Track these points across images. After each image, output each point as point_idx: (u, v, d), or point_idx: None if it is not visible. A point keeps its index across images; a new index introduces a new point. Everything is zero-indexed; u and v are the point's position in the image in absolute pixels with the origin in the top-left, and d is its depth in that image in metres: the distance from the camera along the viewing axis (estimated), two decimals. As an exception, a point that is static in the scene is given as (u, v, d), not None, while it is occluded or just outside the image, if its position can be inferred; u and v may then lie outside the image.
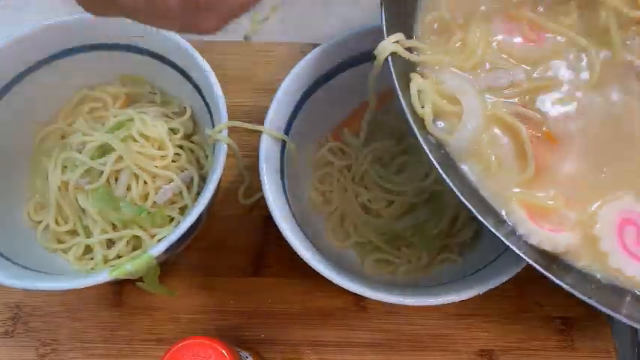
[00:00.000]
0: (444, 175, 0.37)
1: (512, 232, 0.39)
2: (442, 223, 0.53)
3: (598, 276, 0.40)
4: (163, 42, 0.51)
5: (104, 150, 0.51)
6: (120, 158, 0.51)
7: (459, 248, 0.54)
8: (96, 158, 0.51)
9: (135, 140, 0.51)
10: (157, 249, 0.44)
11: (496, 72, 0.42)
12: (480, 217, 0.37)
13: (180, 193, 0.52)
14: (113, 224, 0.51)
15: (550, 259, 0.39)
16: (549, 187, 0.41)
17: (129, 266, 0.44)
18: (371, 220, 0.53)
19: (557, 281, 0.37)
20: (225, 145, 0.47)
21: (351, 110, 0.58)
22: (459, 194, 0.37)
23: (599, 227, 0.39)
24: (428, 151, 0.38)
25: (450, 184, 0.37)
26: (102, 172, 0.50)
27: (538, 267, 0.37)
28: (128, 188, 0.51)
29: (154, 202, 0.51)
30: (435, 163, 0.38)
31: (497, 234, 0.37)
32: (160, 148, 0.53)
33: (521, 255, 0.37)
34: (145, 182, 0.51)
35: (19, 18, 0.69)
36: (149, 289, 0.48)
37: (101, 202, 0.50)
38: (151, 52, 0.53)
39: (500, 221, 0.39)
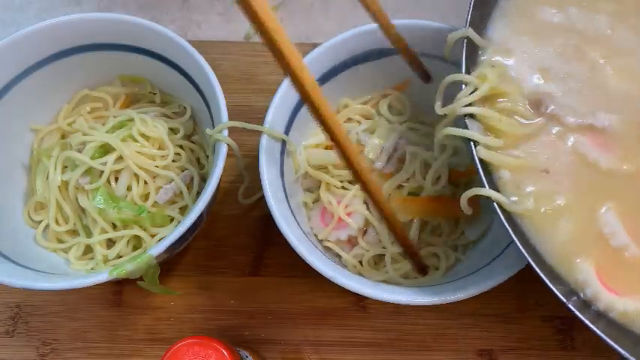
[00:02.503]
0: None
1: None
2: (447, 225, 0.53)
3: None
4: (163, 42, 0.51)
5: (105, 150, 0.51)
6: (120, 158, 0.51)
7: (462, 248, 0.54)
8: (96, 158, 0.51)
9: (135, 140, 0.52)
10: (157, 249, 0.44)
11: None
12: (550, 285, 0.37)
13: (181, 192, 0.52)
14: (113, 224, 0.51)
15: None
16: None
17: (129, 266, 0.44)
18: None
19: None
20: (225, 145, 0.47)
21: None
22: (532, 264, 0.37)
23: None
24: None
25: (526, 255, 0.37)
26: (102, 172, 0.50)
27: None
28: (128, 188, 0.51)
29: (155, 202, 0.51)
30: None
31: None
32: (160, 148, 0.53)
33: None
34: (146, 182, 0.51)
35: (19, 18, 0.69)
36: (149, 289, 0.48)
37: (102, 201, 0.50)
38: (151, 52, 0.54)
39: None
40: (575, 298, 0.38)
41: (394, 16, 0.48)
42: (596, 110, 0.43)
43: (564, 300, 0.37)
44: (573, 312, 0.37)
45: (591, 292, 0.39)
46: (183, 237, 0.45)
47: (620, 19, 0.45)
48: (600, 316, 0.38)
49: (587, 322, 0.36)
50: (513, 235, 0.39)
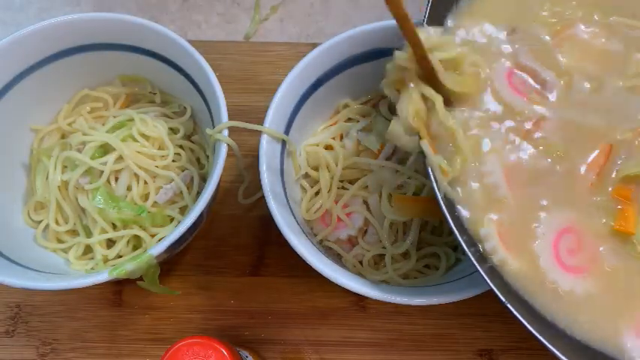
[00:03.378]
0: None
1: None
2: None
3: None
4: (163, 42, 0.51)
5: (105, 150, 0.51)
6: (120, 158, 0.51)
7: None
8: (96, 158, 0.51)
9: (135, 140, 0.52)
10: (158, 248, 0.44)
11: None
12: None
13: (181, 192, 0.52)
14: (113, 224, 0.51)
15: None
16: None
17: (129, 266, 0.44)
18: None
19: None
20: (225, 145, 0.47)
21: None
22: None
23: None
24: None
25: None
26: (102, 172, 0.50)
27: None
28: (128, 188, 0.51)
29: (155, 202, 0.51)
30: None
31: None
32: (160, 148, 0.53)
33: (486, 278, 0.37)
34: (145, 182, 0.51)
35: (19, 18, 0.69)
36: (149, 288, 0.48)
37: (101, 201, 0.50)
38: (151, 52, 0.54)
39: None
40: (474, 249, 0.39)
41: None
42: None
43: (465, 248, 0.37)
44: (473, 261, 0.37)
45: (490, 246, 0.39)
46: (183, 237, 0.45)
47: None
48: (494, 271, 0.38)
49: (482, 271, 0.37)
50: (435, 186, 0.39)
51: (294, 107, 0.52)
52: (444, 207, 0.38)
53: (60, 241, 0.53)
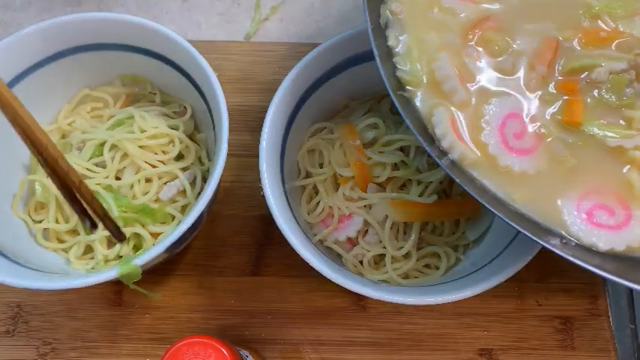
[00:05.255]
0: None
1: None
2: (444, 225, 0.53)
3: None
4: (163, 42, 0.51)
5: (109, 147, 0.51)
6: (125, 155, 0.51)
7: (462, 248, 0.54)
8: (96, 156, 0.51)
9: (137, 138, 0.52)
10: (158, 248, 0.44)
11: None
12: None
13: (183, 191, 0.52)
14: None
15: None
16: None
17: (113, 272, 0.44)
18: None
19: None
20: (226, 145, 0.47)
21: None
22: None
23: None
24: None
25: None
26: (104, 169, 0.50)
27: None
28: (132, 186, 0.51)
29: (157, 199, 0.52)
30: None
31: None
32: (162, 146, 0.53)
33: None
34: (148, 180, 0.51)
35: (19, 18, 0.69)
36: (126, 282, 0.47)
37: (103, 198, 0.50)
38: (151, 52, 0.54)
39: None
40: (435, 146, 0.40)
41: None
42: None
43: (426, 147, 0.39)
44: (434, 158, 0.39)
45: (447, 143, 0.39)
46: (183, 237, 0.45)
47: None
48: (455, 165, 0.40)
49: (442, 165, 0.38)
50: (389, 90, 0.40)
51: (294, 107, 0.52)
52: (399, 106, 0.39)
53: (60, 240, 0.53)
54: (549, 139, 0.41)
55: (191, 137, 0.56)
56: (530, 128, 0.41)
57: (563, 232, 0.38)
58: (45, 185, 0.52)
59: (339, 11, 0.70)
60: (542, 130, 0.41)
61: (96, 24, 0.52)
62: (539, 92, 0.42)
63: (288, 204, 0.51)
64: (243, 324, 0.55)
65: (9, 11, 0.69)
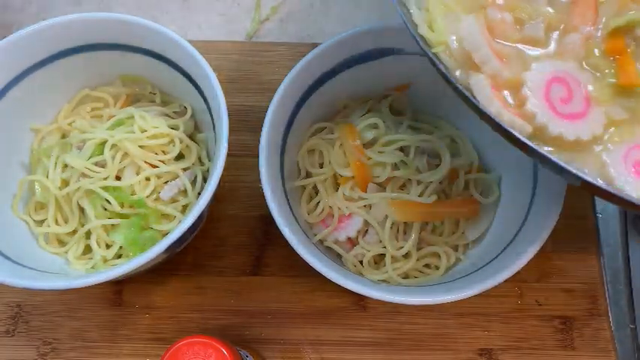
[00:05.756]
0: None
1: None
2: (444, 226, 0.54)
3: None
4: (164, 42, 0.51)
5: (110, 147, 0.51)
6: (126, 155, 0.51)
7: (462, 248, 0.54)
8: (96, 155, 0.51)
9: (137, 138, 0.52)
10: (159, 247, 0.44)
11: None
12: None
13: (184, 191, 0.52)
14: (113, 225, 0.51)
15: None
16: None
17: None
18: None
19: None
20: (226, 145, 0.47)
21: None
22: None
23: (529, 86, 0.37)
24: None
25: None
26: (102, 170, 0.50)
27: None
28: (132, 186, 0.51)
29: (157, 198, 0.52)
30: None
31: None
32: (162, 146, 0.53)
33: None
34: (148, 178, 0.51)
35: (19, 18, 0.69)
36: None
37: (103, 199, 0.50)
38: (151, 52, 0.54)
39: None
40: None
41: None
42: None
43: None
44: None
45: (495, 111, 0.37)
46: (183, 236, 0.45)
47: None
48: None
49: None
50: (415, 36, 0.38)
51: (294, 107, 0.52)
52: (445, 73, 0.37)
53: (60, 240, 0.53)
54: (607, 103, 0.38)
55: (191, 137, 0.56)
56: (579, 92, 0.38)
57: (602, 184, 0.35)
58: (44, 185, 0.52)
59: (339, 11, 0.70)
60: (596, 96, 0.38)
61: (96, 24, 0.52)
62: (583, 56, 0.39)
63: (288, 204, 0.51)
64: (243, 324, 0.55)
65: (9, 11, 0.69)
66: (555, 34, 0.40)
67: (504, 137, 0.36)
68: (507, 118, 0.36)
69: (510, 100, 0.38)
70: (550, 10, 0.40)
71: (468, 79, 0.38)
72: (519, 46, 0.40)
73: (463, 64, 0.39)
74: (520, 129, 0.36)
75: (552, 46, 0.40)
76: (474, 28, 0.38)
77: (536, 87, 0.37)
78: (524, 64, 0.39)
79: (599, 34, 0.40)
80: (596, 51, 0.39)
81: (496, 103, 0.36)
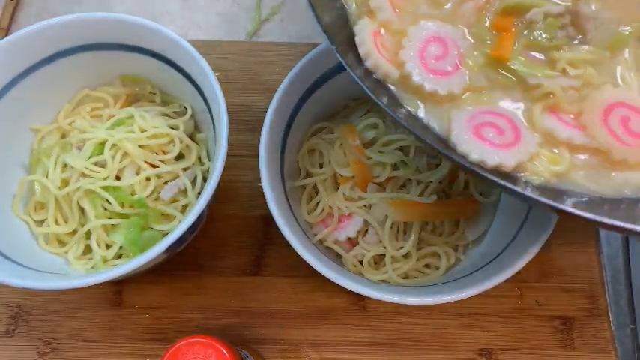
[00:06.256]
0: None
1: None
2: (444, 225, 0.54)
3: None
4: (164, 42, 0.51)
5: (110, 147, 0.51)
6: (125, 155, 0.51)
7: (462, 248, 0.54)
8: (96, 155, 0.51)
9: (137, 138, 0.52)
10: (159, 247, 0.44)
11: None
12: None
13: (184, 191, 0.52)
14: (113, 225, 0.51)
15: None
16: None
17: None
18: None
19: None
20: (226, 145, 0.47)
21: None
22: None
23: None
24: None
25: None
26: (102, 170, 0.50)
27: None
28: (132, 187, 0.51)
29: (158, 198, 0.52)
30: None
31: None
32: (162, 146, 0.53)
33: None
34: (148, 179, 0.51)
35: (19, 18, 0.69)
36: None
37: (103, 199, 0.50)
38: (151, 52, 0.54)
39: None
40: (353, 54, 0.40)
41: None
42: None
43: (350, 70, 0.38)
44: (350, 73, 0.38)
45: (371, 62, 0.39)
46: (183, 236, 0.45)
47: None
48: (368, 72, 0.40)
49: (355, 77, 0.38)
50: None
51: (294, 107, 0.52)
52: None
53: (60, 240, 0.53)
54: (474, 69, 0.41)
55: (191, 137, 0.56)
56: (454, 54, 0.41)
57: (443, 136, 0.39)
58: (44, 185, 0.52)
59: (339, 11, 0.70)
60: (468, 61, 0.41)
61: (96, 24, 0.52)
62: (472, 24, 0.42)
63: (288, 204, 0.51)
64: (243, 324, 0.55)
65: (9, 11, 0.69)
66: None
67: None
68: (375, 58, 0.39)
69: (390, 47, 0.41)
70: None
71: (356, 19, 0.41)
72: (414, 7, 0.43)
73: (360, 8, 0.42)
74: (386, 72, 0.39)
75: (448, 6, 0.43)
76: None
77: (415, 39, 0.41)
78: (415, 20, 0.42)
79: (493, 8, 0.42)
80: (487, 21, 0.42)
81: (369, 45, 0.39)
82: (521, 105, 0.40)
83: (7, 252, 0.48)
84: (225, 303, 0.56)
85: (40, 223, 0.53)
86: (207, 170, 0.54)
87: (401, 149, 0.53)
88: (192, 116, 0.57)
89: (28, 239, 0.53)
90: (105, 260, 0.51)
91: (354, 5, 0.42)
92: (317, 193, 0.54)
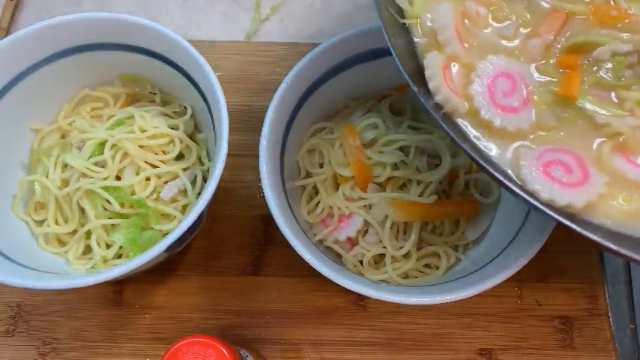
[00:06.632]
0: None
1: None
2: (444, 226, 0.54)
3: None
4: (164, 42, 0.51)
5: (110, 147, 0.51)
6: (125, 154, 0.51)
7: (462, 248, 0.54)
8: (96, 155, 0.51)
9: (137, 138, 0.52)
10: (159, 247, 0.44)
11: None
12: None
13: (184, 191, 0.52)
14: (113, 225, 0.51)
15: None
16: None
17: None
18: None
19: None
20: (226, 145, 0.47)
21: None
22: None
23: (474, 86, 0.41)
24: None
25: None
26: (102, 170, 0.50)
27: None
28: (132, 186, 0.51)
29: (158, 197, 0.52)
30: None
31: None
32: (162, 146, 0.53)
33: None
34: (148, 179, 0.51)
35: (19, 18, 0.69)
36: None
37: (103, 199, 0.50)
38: (151, 52, 0.54)
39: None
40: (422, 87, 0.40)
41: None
42: None
43: (413, 86, 0.38)
44: (418, 95, 0.38)
45: (441, 97, 0.39)
46: (183, 236, 0.45)
47: None
48: (438, 107, 0.40)
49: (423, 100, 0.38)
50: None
51: (294, 107, 0.52)
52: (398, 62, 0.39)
53: (60, 240, 0.53)
54: (542, 107, 0.41)
55: (191, 137, 0.56)
56: (521, 90, 0.41)
57: (512, 174, 0.39)
58: (44, 185, 0.52)
59: (339, 11, 0.70)
60: (535, 97, 0.41)
61: (96, 24, 0.52)
62: (539, 61, 0.42)
63: (288, 204, 0.51)
64: (243, 324, 0.55)
65: (9, 11, 0.69)
66: (522, 33, 0.44)
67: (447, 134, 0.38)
68: (445, 93, 0.39)
69: (458, 80, 0.41)
70: (527, 15, 0.44)
71: (424, 52, 0.41)
72: (488, 33, 0.43)
73: (429, 40, 0.42)
74: (455, 106, 0.39)
75: (516, 43, 0.43)
76: (447, 10, 0.42)
77: (484, 74, 0.41)
78: (482, 54, 0.42)
79: (559, 45, 0.43)
80: (552, 60, 0.43)
81: (439, 79, 0.39)
82: (590, 144, 0.40)
83: (7, 252, 0.48)
84: (225, 303, 0.56)
85: (40, 223, 0.53)
86: (207, 170, 0.54)
87: (401, 149, 0.53)
88: (192, 116, 0.57)
89: (28, 239, 0.53)
90: (105, 260, 0.51)
91: (422, 37, 0.42)
92: (317, 193, 0.54)
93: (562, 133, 0.40)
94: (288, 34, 0.68)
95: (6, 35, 0.66)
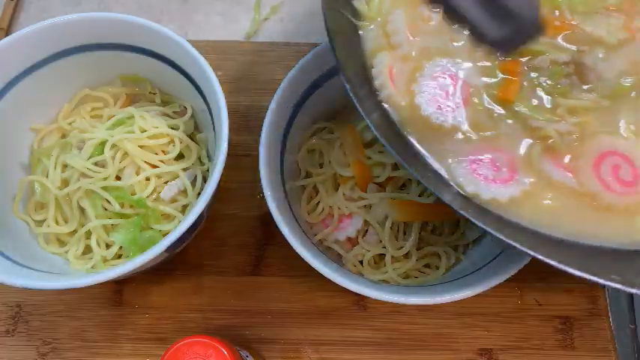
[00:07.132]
0: None
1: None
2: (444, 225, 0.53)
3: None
4: (163, 42, 0.51)
5: (110, 147, 0.51)
6: (125, 154, 0.51)
7: (462, 248, 0.54)
8: (96, 155, 0.51)
9: (137, 138, 0.52)
10: (159, 247, 0.44)
11: None
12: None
13: (184, 191, 0.52)
14: (113, 225, 0.51)
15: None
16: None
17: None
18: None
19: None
20: (226, 145, 0.47)
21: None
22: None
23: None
24: None
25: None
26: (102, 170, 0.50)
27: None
28: (132, 186, 0.51)
29: (157, 198, 0.52)
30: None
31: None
32: (162, 146, 0.53)
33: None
34: (148, 179, 0.51)
35: (19, 18, 0.69)
36: None
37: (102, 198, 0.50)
38: (151, 52, 0.54)
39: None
40: (368, 87, 0.42)
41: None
42: None
43: (347, 87, 0.40)
44: (352, 99, 0.40)
45: (379, 83, 0.42)
46: (183, 236, 0.45)
47: None
48: (378, 105, 0.42)
49: (355, 102, 0.40)
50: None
51: (294, 107, 0.52)
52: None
53: (60, 240, 0.53)
54: (479, 107, 0.43)
55: (191, 137, 0.56)
56: (461, 92, 0.43)
57: (443, 169, 0.40)
58: (44, 185, 0.52)
59: (339, 11, 0.70)
60: (474, 99, 0.43)
61: (96, 24, 0.52)
62: (481, 64, 0.44)
63: (288, 204, 0.51)
64: (243, 324, 0.55)
65: (9, 11, 0.69)
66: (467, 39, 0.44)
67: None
68: (388, 91, 0.41)
69: (403, 79, 0.43)
70: None
71: (375, 52, 0.43)
72: (437, 36, 0.45)
73: (380, 41, 0.44)
74: (395, 102, 0.41)
75: (461, 44, 0.45)
76: (400, 15, 0.44)
77: (427, 75, 0.43)
78: (430, 56, 0.44)
79: None
80: (496, 62, 0.45)
81: (384, 78, 0.41)
82: (521, 146, 0.42)
83: (7, 252, 0.48)
84: (225, 303, 0.56)
85: (40, 223, 0.53)
86: (207, 170, 0.54)
87: (401, 149, 0.53)
88: (192, 116, 0.57)
89: (28, 239, 0.53)
90: (105, 260, 0.51)
91: (374, 38, 0.44)
92: (317, 193, 0.54)
93: (496, 133, 0.42)
94: (288, 34, 0.68)
95: (6, 35, 0.66)
